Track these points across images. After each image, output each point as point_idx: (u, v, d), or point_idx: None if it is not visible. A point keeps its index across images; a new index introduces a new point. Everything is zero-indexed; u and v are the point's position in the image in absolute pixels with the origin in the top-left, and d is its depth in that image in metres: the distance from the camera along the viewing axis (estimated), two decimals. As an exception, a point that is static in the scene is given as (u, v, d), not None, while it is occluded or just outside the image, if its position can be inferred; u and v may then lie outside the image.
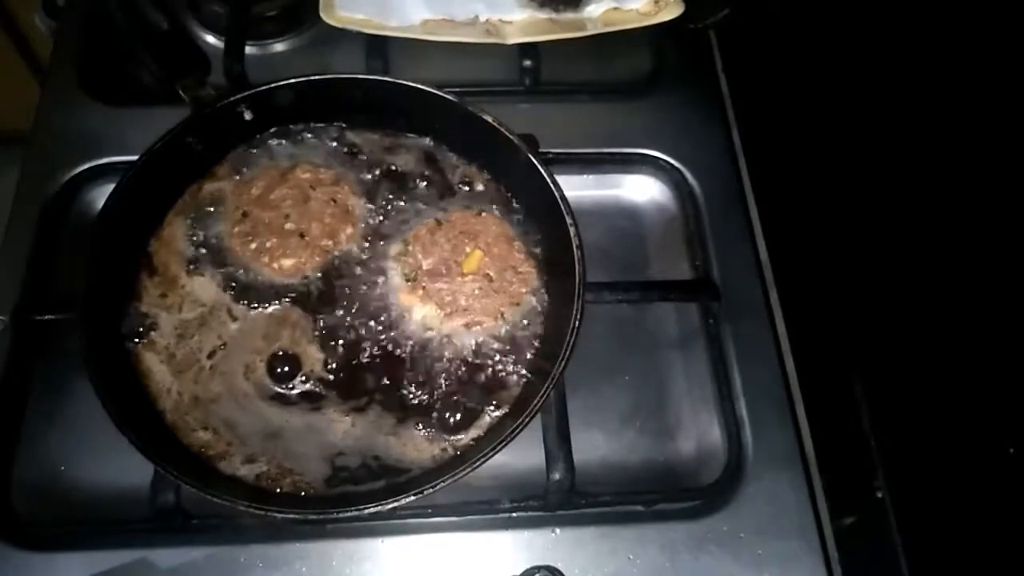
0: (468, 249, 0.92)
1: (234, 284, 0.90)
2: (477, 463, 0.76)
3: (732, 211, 1.05)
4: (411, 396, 0.86)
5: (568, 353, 0.81)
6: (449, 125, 0.97)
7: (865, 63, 0.97)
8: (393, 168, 0.98)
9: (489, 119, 0.92)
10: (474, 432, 0.85)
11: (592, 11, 1.16)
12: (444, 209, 0.96)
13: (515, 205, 0.97)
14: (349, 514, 0.75)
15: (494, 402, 0.86)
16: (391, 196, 0.97)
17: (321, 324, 0.89)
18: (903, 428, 0.85)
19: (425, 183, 0.98)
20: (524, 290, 0.91)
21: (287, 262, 0.91)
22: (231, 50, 1.07)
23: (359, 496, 0.81)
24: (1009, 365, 0.75)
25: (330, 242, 0.93)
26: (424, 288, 0.90)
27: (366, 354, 0.88)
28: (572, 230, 0.86)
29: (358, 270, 0.92)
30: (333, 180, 0.96)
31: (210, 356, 0.87)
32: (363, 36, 1.10)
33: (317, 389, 0.86)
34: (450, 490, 0.76)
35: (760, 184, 1.08)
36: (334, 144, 0.99)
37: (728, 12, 1.17)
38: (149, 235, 0.92)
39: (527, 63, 1.13)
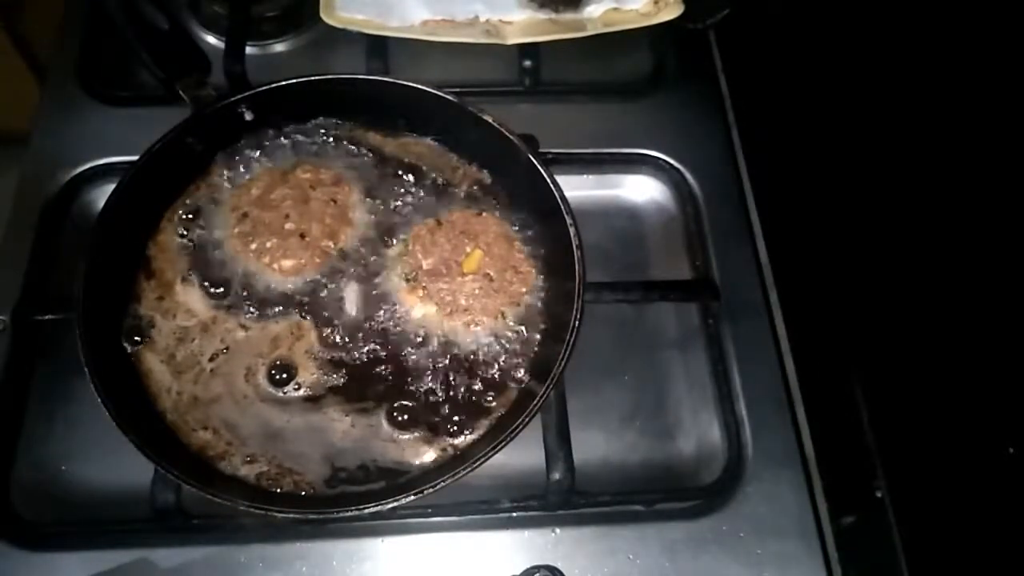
0: (468, 249, 0.92)
1: (230, 293, 0.90)
2: (477, 463, 0.76)
3: (732, 211, 1.05)
4: (411, 396, 0.86)
5: (568, 353, 0.81)
6: (449, 125, 0.97)
7: (865, 63, 0.97)
8: (393, 168, 0.98)
9: (489, 119, 0.92)
10: (474, 432, 0.85)
11: (592, 11, 1.16)
12: (444, 209, 0.96)
13: (515, 205, 0.97)
14: (349, 513, 0.75)
15: (494, 402, 0.86)
16: (391, 196, 0.97)
17: (321, 325, 0.89)
18: (903, 428, 0.85)
19: (425, 183, 0.98)
20: (524, 290, 0.91)
21: (287, 263, 0.91)
22: (231, 50, 1.07)
23: (359, 496, 0.81)
24: (1009, 365, 0.75)
25: (330, 242, 0.93)
26: (424, 288, 0.90)
27: (366, 354, 0.88)
28: (572, 230, 0.86)
29: (358, 270, 0.92)
30: (333, 180, 0.96)
31: (211, 359, 0.87)
32: (363, 36, 1.10)
33: (317, 391, 0.86)
34: (450, 490, 0.76)
35: (760, 184, 1.08)
36: (334, 144, 0.99)
37: (728, 12, 1.17)
38: (148, 236, 0.93)
39: (527, 63, 1.13)
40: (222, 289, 0.90)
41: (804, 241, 1.02)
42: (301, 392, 0.86)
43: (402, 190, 0.97)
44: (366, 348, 0.88)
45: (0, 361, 0.91)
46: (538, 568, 0.82)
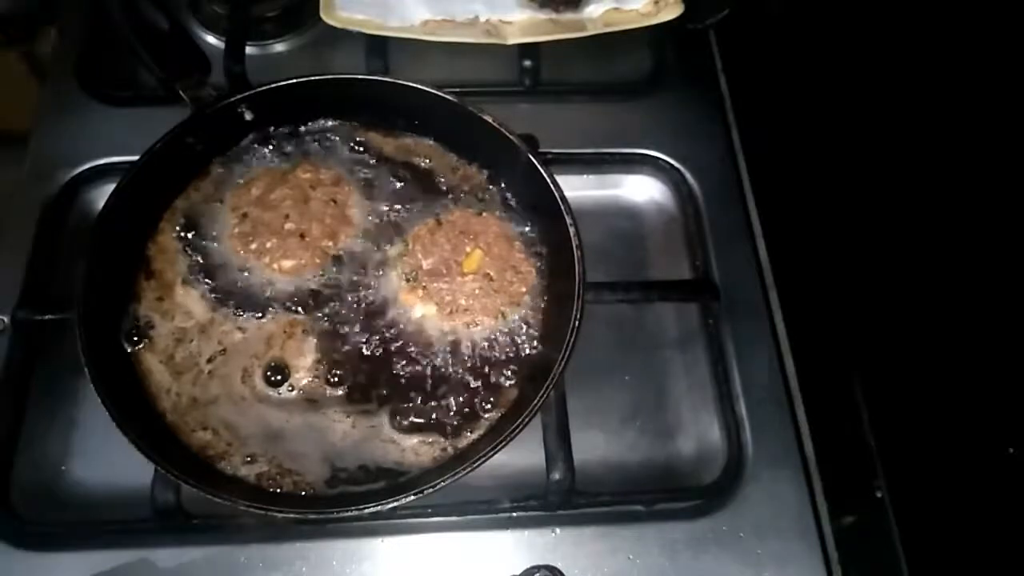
0: (468, 249, 0.92)
1: (230, 293, 0.90)
2: (477, 463, 0.76)
3: (732, 211, 1.05)
4: (411, 396, 0.86)
5: (568, 353, 0.81)
6: (449, 125, 0.97)
7: (865, 63, 0.97)
8: (393, 168, 0.98)
9: (489, 119, 0.92)
10: (474, 432, 0.85)
11: (592, 11, 1.16)
12: (444, 209, 0.96)
13: (515, 205, 0.97)
14: (349, 514, 0.75)
15: (494, 402, 0.86)
16: (391, 196, 0.97)
17: (321, 325, 0.89)
18: (903, 428, 0.85)
19: (425, 183, 0.98)
20: (524, 290, 0.91)
21: (287, 263, 0.91)
22: (231, 50, 1.07)
23: (359, 496, 0.81)
24: (1009, 365, 0.75)
25: (330, 242, 0.93)
26: (424, 288, 0.90)
27: (366, 355, 0.88)
28: (572, 230, 0.86)
29: (358, 270, 0.92)
30: (333, 180, 0.96)
31: (209, 361, 0.87)
32: (363, 36, 1.10)
33: (316, 392, 0.86)
34: (450, 490, 0.76)
35: (760, 184, 1.08)
36: (334, 144, 0.99)
37: (728, 12, 1.17)
38: (148, 236, 0.92)
39: (527, 63, 1.13)
40: (221, 290, 0.90)
41: (804, 241, 1.02)
42: (298, 393, 0.86)
43: (402, 190, 0.97)
44: (365, 349, 0.88)
45: (0, 361, 0.91)
46: (538, 568, 0.82)
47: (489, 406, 0.86)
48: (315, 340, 0.88)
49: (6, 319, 0.92)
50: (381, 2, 1.12)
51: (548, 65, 1.14)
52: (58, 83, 1.10)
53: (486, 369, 0.88)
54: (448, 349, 0.88)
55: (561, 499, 0.85)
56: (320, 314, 0.90)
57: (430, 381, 0.87)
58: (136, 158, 0.88)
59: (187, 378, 0.86)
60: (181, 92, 0.92)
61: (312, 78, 0.94)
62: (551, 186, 0.89)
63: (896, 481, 0.83)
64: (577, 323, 0.82)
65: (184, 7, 1.18)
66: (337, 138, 0.99)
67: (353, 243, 0.94)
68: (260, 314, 0.89)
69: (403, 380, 0.87)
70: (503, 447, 0.77)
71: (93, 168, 1.02)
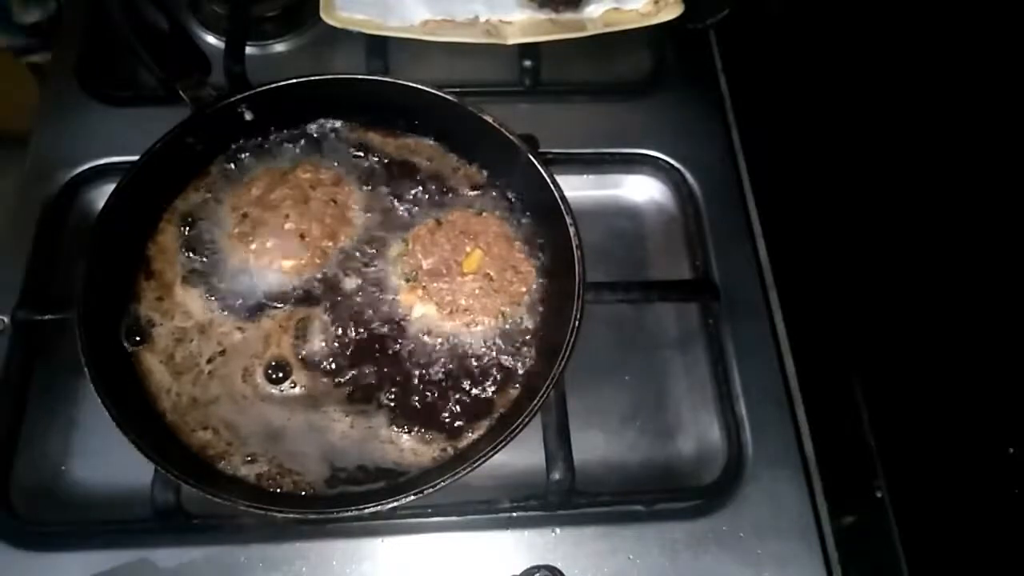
0: (468, 249, 0.92)
1: (229, 293, 0.90)
2: (477, 463, 0.76)
3: (732, 211, 1.05)
4: (411, 396, 0.86)
5: (568, 353, 0.81)
6: (449, 125, 0.97)
7: (865, 63, 0.97)
8: (393, 168, 0.98)
9: (489, 119, 0.92)
10: (474, 432, 0.85)
11: (592, 11, 1.16)
12: (444, 209, 0.96)
13: (515, 205, 0.97)
14: (349, 514, 0.75)
15: (494, 402, 0.86)
16: (391, 196, 0.97)
17: (320, 325, 0.89)
18: (903, 428, 0.85)
19: (425, 183, 0.98)
20: (524, 290, 0.91)
21: (287, 263, 0.91)
22: (231, 50, 1.07)
23: (359, 496, 0.81)
24: (1009, 365, 0.75)
25: (330, 242, 0.93)
26: (424, 288, 0.90)
27: (366, 354, 0.88)
28: (572, 230, 0.86)
29: (358, 270, 0.92)
30: (333, 180, 0.96)
31: (209, 361, 0.87)
32: (363, 36, 1.10)
33: (315, 391, 0.86)
34: (450, 490, 0.76)
35: (760, 184, 1.08)
36: (334, 144, 0.99)
37: (728, 12, 1.17)
38: (148, 236, 0.93)
39: (527, 63, 1.13)
40: (221, 290, 0.90)
41: (804, 241, 1.02)
42: (298, 390, 0.86)
43: (402, 190, 0.97)
44: (365, 349, 0.88)
45: (0, 361, 0.91)
46: (538, 568, 0.82)
47: (489, 406, 0.86)
48: (314, 339, 0.88)
49: (6, 319, 0.92)
50: (381, 2, 1.12)
51: (548, 65, 1.14)
52: (58, 83, 1.10)
53: (485, 369, 0.88)
54: (448, 349, 0.88)
55: (561, 499, 0.85)
56: (319, 315, 0.90)
57: (430, 381, 0.87)
58: (136, 158, 0.88)
59: (187, 378, 0.86)
60: (181, 92, 0.92)
61: (312, 78, 0.94)
62: (551, 186, 0.89)
63: (896, 481, 0.83)
64: (577, 323, 0.82)
65: (184, 7, 1.18)
66: (337, 138, 0.99)
67: (353, 243, 0.94)
68: (260, 314, 0.89)
69: (403, 380, 0.87)
70: (503, 447, 0.77)
71: (93, 168, 1.03)
